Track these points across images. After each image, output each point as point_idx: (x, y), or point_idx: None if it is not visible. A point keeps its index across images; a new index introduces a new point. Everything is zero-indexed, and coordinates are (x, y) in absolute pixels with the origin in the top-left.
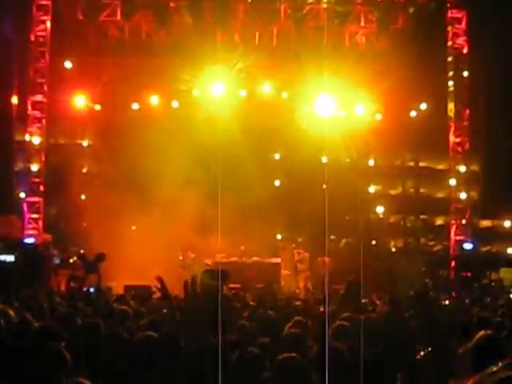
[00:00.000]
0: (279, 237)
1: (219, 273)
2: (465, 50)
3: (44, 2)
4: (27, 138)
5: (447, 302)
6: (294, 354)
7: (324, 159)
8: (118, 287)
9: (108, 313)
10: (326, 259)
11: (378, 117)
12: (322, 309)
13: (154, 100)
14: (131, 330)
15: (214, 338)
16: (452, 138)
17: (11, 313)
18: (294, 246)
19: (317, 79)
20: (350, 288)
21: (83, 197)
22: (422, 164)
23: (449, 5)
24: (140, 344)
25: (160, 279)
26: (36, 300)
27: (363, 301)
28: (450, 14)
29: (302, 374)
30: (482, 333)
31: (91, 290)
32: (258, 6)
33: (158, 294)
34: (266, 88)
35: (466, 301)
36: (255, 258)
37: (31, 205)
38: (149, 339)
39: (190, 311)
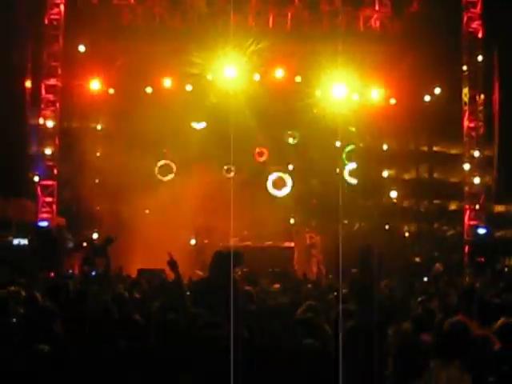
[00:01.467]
0: (292, 221)
1: (232, 255)
2: (480, 35)
3: None
4: (41, 121)
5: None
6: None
7: (337, 144)
8: (131, 270)
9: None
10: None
11: (392, 101)
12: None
13: (168, 84)
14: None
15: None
16: (466, 123)
17: (23, 293)
18: (307, 229)
19: (331, 63)
20: (363, 253)
21: (97, 180)
22: (435, 149)
23: None
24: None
25: (172, 263)
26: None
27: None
28: None
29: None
30: (502, 320)
31: (93, 273)
32: None
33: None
34: (280, 72)
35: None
36: (269, 242)
37: (45, 188)
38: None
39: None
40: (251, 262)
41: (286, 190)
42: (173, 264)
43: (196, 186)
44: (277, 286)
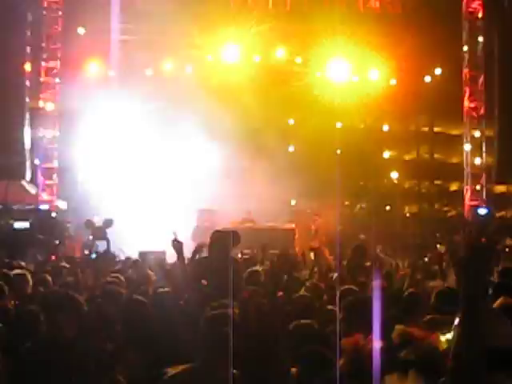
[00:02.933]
0: (293, 202)
1: (230, 235)
2: (480, 15)
3: None
4: (41, 104)
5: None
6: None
7: (338, 125)
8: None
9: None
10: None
11: (393, 82)
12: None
13: (168, 66)
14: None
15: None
16: (467, 103)
17: (29, 277)
18: (308, 211)
19: (331, 44)
20: (356, 252)
21: (98, 163)
22: (436, 129)
23: None
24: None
25: (177, 244)
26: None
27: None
28: None
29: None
30: (501, 300)
31: (92, 255)
32: None
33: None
34: (280, 53)
35: None
36: (269, 224)
37: (46, 171)
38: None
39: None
40: (252, 243)
41: None
42: (177, 245)
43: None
44: None
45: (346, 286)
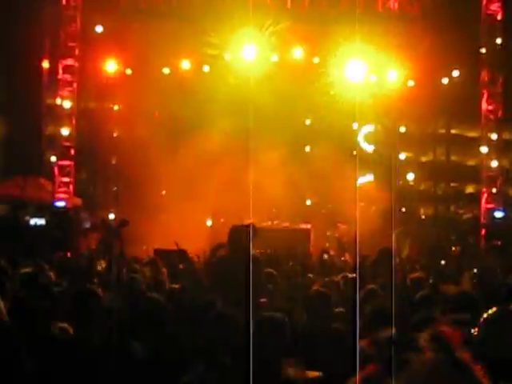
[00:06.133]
0: (309, 202)
1: (248, 229)
2: (499, 17)
3: None
4: (58, 101)
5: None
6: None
7: (355, 125)
8: (146, 251)
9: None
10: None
11: (410, 83)
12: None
13: (185, 65)
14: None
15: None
16: (484, 106)
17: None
18: (323, 211)
19: (348, 44)
20: (381, 254)
21: (114, 161)
22: (453, 131)
23: None
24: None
25: (180, 253)
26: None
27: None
28: None
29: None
30: None
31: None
32: None
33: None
34: (297, 53)
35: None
36: (285, 224)
37: (62, 168)
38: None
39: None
40: (268, 243)
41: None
42: (181, 253)
43: (213, 166)
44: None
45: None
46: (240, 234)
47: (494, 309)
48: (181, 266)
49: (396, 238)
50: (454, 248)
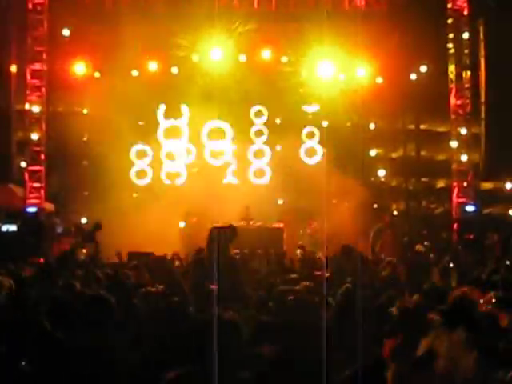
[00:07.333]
0: (280, 202)
1: (227, 229)
2: (465, 12)
3: None
4: (27, 106)
5: (451, 265)
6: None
7: (324, 123)
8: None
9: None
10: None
11: (379, 80)
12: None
13: (154, 66)
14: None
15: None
16: (453, 101)
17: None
18: (296, 210)
19: (316, 43)
20: (344, 251)
21: (85, 165)
22: (422, 127)
23: None
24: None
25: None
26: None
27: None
28: None
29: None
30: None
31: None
32: None
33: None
34: (266, 52)
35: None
36: (258, 223)
37: (33, 174)
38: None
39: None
40: (241, 243)
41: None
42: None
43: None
44: None
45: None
46: (220, 235)
47: None
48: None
49: (368, 234)
50: (425, 243)
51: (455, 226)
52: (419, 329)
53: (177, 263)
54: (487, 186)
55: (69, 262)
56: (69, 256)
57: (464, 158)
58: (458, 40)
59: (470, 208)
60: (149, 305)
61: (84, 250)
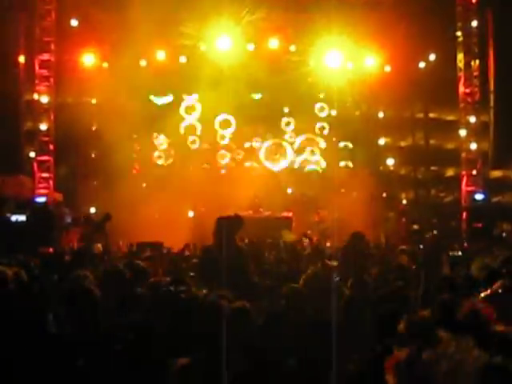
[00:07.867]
0: (289, 191)
1: (233, 219)
2: (474, 0)
3: None
4: (35, 97)
5: (460, 253)
6: None
7: (333, 112)
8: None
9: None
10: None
11: (387, 68)
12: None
13: (162, 56)
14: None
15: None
16: (461, 89)
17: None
18: (305, 199)
19: (325, 32)
20: (353, 239)
21: (93, 155)
22: (431, 115)
23: None
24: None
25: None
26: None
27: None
28: None
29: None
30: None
31: None
32: None
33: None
34: (274, 41)
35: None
36: (267, 212)
37: (41, 164)
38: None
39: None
40: (250, 232)
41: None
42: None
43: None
44: None
45: None
46: (227, 225)
47: None
48: None
49: (378, 222)
50: (434, 231)
51: (464, 214)
52: (426, 345)
53: (187, 253)
54: (496, 174)
55: (85, 258)
56: (84, 252)
57: (473, 146)
58: (466, 28)
59: (479, 196)
60: (158, 294)
61: (99, 245)
